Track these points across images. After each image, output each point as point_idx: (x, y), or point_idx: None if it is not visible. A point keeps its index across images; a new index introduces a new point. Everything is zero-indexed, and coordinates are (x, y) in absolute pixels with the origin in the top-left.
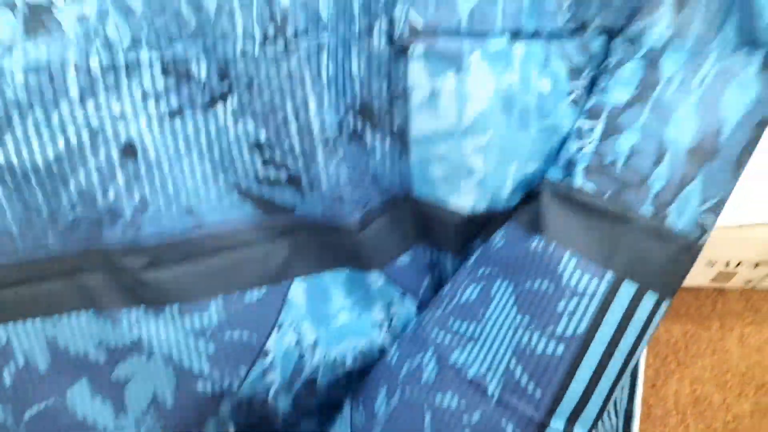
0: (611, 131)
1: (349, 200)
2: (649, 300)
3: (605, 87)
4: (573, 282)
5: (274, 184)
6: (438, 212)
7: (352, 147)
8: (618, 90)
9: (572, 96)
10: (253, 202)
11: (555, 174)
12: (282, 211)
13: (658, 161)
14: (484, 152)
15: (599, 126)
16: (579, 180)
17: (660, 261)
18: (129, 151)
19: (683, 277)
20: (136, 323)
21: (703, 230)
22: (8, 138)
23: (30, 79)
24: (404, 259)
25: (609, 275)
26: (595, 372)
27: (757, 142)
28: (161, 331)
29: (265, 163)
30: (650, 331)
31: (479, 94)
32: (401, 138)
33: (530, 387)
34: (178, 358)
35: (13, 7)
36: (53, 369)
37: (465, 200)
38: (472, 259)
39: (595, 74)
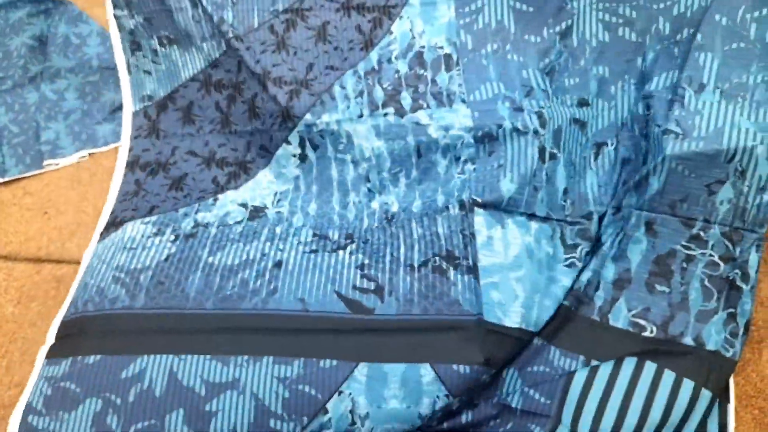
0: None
1: (418, 306)
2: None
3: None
4: (560, 364)
5: (364, 291)
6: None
7: (434, 276)
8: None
9: (567, 262)
10: (345, 302)
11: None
12: (365, 311)
13: (597, 290)
14: (522, 282)
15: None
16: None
17: (607, 343)
18: (279, 264)
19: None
20: (240, 366)
21: (639, 328)
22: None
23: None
24: (460, 368)
25: (581, 358)
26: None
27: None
28: (256, 374)
29: (362, 276)
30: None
31: (515, 242)
32: (474, 272)
33: (542, 400)
34: (262, 396)
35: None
36: (164, 395)
37: (513, 320)
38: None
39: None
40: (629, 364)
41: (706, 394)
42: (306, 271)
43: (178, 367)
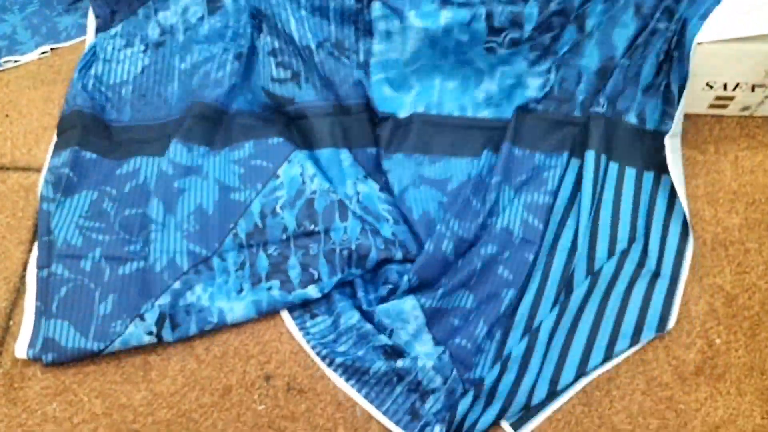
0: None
1: (330, 91)
2: (589, 159)
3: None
4: (546, 163)
5: (282, 81)
6: (387, 120)
7: (330, 61)
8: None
9: (487, 45)
10: (271, 99)
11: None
12: (287, 101)
13: (579, 83)
14: (418, 73)
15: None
16: (540, 106)
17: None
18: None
19: (622, 144)
20: (202, 156)
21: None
22: None
23: None
24: (370, 151)
25: (565, 154)
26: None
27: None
28: (216, 163)
29: (277, 65)
30: (593, 185)
31: (414, 36)
32: (365, 67)
33: (536, 223)
34: (222, 178)
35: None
36: (148, 185)
37: (407, 110)
38: (485, 171)
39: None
40: (589, 158)
41: (648, 176)
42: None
43: (161, 163)
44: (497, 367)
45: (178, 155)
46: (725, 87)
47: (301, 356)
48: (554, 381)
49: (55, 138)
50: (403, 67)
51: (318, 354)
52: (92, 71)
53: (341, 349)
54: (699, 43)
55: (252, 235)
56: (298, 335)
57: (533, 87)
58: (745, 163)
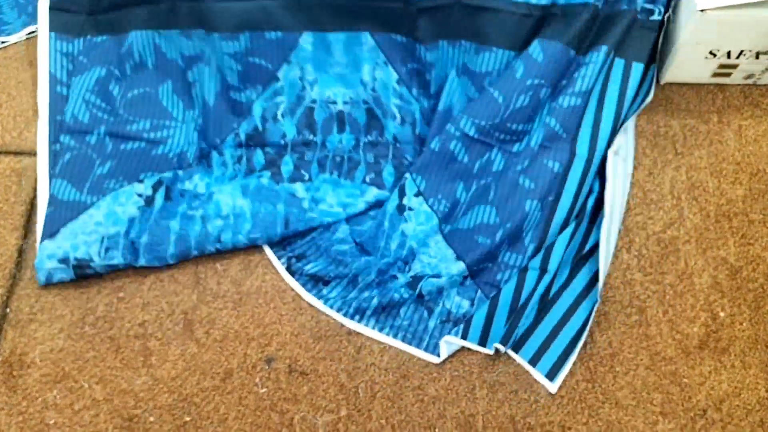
0: None
1: None
2: (617, 65)
3: None
4: (581, 60)
5: None
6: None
7: None
8: None
9: None
10: None
11: None
12: None
13: None
14: None
15: None
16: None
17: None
18: None
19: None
20: (201, 41)
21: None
22: None
23: None
24: (396, 37)
25: (603, 48)
26: (595, 118)
27: None
28: (212, 48)
29: None
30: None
31: None
32: None
33: (560, 131)
34: (223, 71)
35: None
36: (155, 68)
37: None
38: (519, 72)
39: None
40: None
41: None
42: None
43: (159, 41)
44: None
45: (183, 46)
46: (728, 55)
47: (302, 338)
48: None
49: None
50: None
51: (345, 314)
52: None
53: (366, 302)
54: (702, 10)
55: (252, 136)
56: (317, 303)
57: None
58: (748, 132)
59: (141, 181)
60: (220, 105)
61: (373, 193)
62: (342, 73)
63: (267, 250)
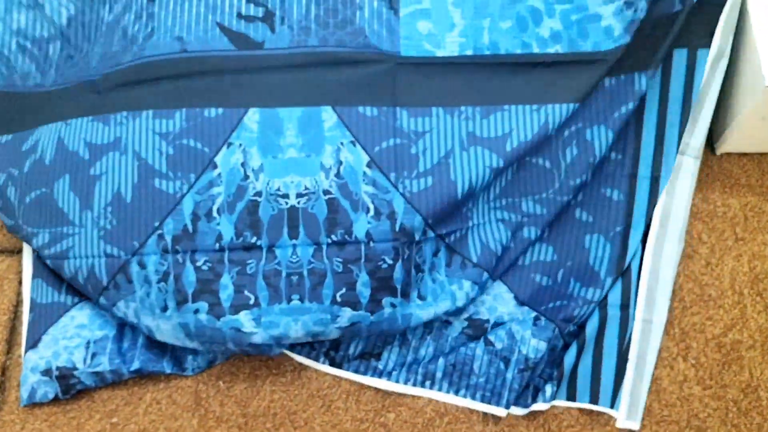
0: None
1: (316, 36)
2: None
3: None
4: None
5: (251, 20)
6: (424, 69)
7: None
8: None
9: None
10: (229, 38)
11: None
12: (254, 45)
13: None
14: (461, 6)
15: None
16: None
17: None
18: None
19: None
20: (119, 124)
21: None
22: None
23: None
24: (366, 110)
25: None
26: (657, 126)
27: None
28: (137, 130)
29: (248, 1)
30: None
31: None
32: (390, 1)
33: (613, 155)
34: (144, 155)
35: None
36: (53, 163)
37: (450, 49)
38: (551, 126)
39: None
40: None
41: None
42: (183, 1)
43: (64, 133)
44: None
45: (93, 133)
46: None
47: None
48: None
49: None
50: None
51: (414, 383)
52: (14, 24)
53: (432, 364)
54: None
55: (180, 239)
56: (381, 383)
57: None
58: None
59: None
60: (140, 199)
61: (347, 316)
62: (296, 158)
63: (297, 357)
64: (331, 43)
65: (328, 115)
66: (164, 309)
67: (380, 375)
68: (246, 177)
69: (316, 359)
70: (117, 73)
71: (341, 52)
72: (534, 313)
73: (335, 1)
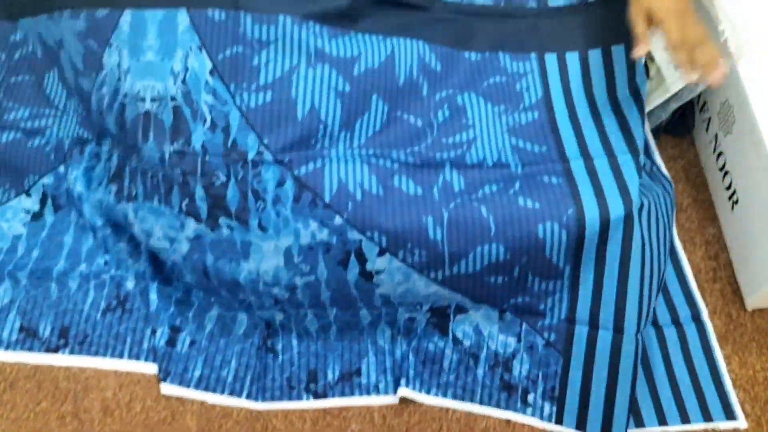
0: None
1: None
2: (572, 59)
3: None
4: (515, 70)
5: None
6: None
7: None
8: None
9: None
10: None
11: None
12: None
13: None
14: None
15: None
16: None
17: (557, 29)
18: None
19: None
20: (57, 24)
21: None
22: None
23: None
24: (214, 13)
25: (533, 55)
26: (570, 116)
27: None
28: (63, 29)
29: None
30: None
31: None
32: None
33: (536, 149)
34: (72, 55)
35: None
36: (44, 55)
37: None
38: (425, 91)
39: None
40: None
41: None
42: None
43: (40, 29)
44: None
45: (53, 31)
46: None
47: None
48: None
49: None
50: None
51: (386, 388)
52: None
53: (404, 361)
54: None
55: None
56: (362, 401)
57: None
58: None
59: (28, 194)
60: (73, 95)
61: (192, 228)
62: (152, 61)
63: (282, 405)
64: None
65: (182, 18)
66: (100, 183)
67: (368, 391)
68: (119, 78)
69: (299, 398)
70: None
71: None
72: (497, 310)
73: None
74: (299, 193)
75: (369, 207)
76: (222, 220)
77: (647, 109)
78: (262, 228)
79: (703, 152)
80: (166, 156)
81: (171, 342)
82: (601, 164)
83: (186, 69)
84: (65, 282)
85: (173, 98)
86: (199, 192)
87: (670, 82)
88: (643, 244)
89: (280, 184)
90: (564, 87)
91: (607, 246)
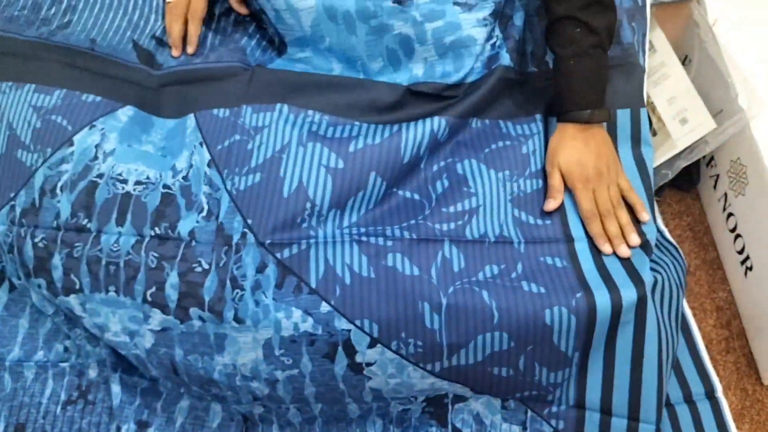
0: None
1: (200, 54)
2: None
3: None
4: (519, 132)
5: (162, 45)
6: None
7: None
8: None
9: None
10: (138, 53)
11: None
12: (155, 65)
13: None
14: (336, 55)
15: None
16: (506, 60)
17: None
18: None
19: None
20: (2, 93)
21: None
22: None
23: None
24: (219, 112)
25: (539, 117)
26: None
27: None
28: (16, 101)
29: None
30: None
31: (305, 5)
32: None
33: (539, 222)
34: (16, 126)
35: None
36: None
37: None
38: (422, 163)
39: None
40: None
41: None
42: (109, 10)
43: None
44: None
45: None
46: None
47: None
48: None
49: None
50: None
51: None
52: None
53: None
54: None
55: (27, 213)
56: None
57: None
58: None
59: None
60: (2, 169)
61: (158, 320)
62: (149, 152)
63: None
64: (211, 60)
65: (191, 122)
66: (18, 278)
67: None
68: (95, 158)
69: None
70: (12, 40)
71: (214, 67)
72: (500, 399)
73: (231, 27)
74: (282, 279)
75: (359, 292)
76: (193, 311)
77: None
78: (238, 320)
79: (710, 210)
80: (145, 240)
81: None
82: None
83: (190, 166)
84: (20, 372)
85: (166, 186)
86: (172, 279)
87: (676, 138)
88: (659, 326)
89: (261, 269)
90: None
91: (618, 330)
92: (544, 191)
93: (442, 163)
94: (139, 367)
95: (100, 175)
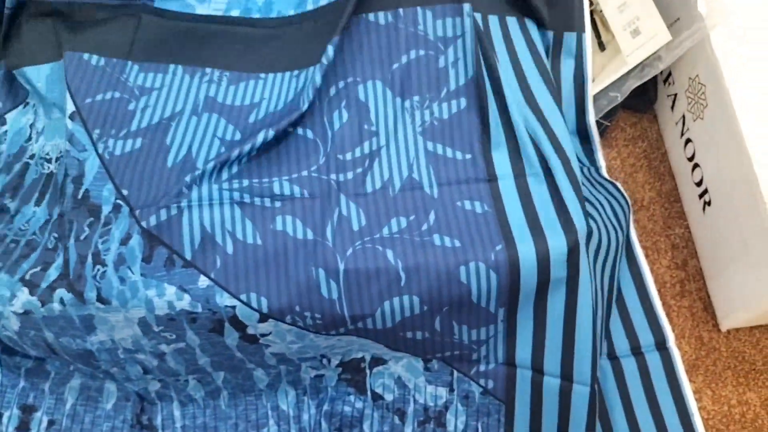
0: None
1: None
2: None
3: None
4: (439, 33)
5: None
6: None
7: None
8: None
9: None
10: None
11: None
12: None
13: None
14: None
15: None
16: None
17: None
18: None
19: None
20: None
21: None
22: None
23: None
24: (92, 58)
25: (467, 8)
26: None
27: None
28: None
29: None
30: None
31: None
32: None
33: (458, 156)
34: None
35: None
36: None
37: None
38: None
39: None
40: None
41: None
42: None
43: None
44: None
45: None
46: None
47: None
48: None
49: None
50: None
51: None
52: None
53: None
54: None
55: None
56: None
57: None
58: None
59: None
60: None
61: (21, 301)
62: (60, 117)
63: None
64: None
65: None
66: None
67: None
68: (29, 138)
69: None
70: None
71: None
72: (421, 359)
73: None
74: (150, 251)
75: (243, 262)
76: (57, 293)
77: (600, 87)
78: (103, 301)
79: (667, 135)
80: (52, 220)
81: (23, 427)
82: (536, 182)
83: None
84: None
85: (63, 151)
86: (35, 256)
87: (627, 53)
88: (594, 286)
89: (125, 240)
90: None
91: (549, 285)
92: (467, 113)
93: (341, 84)
94: (16, 348)
95: (32, 156)
